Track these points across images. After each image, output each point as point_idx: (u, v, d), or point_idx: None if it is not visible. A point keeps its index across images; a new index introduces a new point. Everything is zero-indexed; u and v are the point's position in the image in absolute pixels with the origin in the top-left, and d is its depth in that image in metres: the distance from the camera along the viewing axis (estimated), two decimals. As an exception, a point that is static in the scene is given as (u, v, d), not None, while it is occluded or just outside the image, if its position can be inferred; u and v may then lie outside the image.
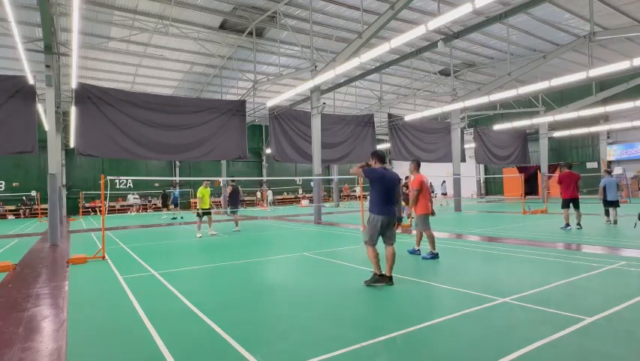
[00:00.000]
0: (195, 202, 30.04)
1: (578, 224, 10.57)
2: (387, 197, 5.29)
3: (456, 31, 15.49)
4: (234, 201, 13.65)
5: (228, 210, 13.55)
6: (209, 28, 16.18)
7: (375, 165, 5.46)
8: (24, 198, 25.36)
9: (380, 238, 5.42)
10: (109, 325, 4.12)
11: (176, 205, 21.59)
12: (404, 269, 6.44)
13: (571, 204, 10.75)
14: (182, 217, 20.35)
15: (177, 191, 21.87)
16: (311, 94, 16.09)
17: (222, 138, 15.74)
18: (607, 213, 11.69)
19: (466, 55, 20.61)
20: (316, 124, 15.94)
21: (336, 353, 3.15)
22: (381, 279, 5.32)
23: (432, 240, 7.27)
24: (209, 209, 12.14)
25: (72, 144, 17.77)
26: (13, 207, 25.15)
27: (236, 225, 13.21)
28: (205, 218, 12.19)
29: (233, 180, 14.97)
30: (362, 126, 20.59)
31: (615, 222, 11.21)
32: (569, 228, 10.61)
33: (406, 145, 21.66)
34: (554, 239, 9.04)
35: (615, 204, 11.30)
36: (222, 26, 16.29)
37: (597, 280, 5.34)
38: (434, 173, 33.11)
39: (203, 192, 11.97)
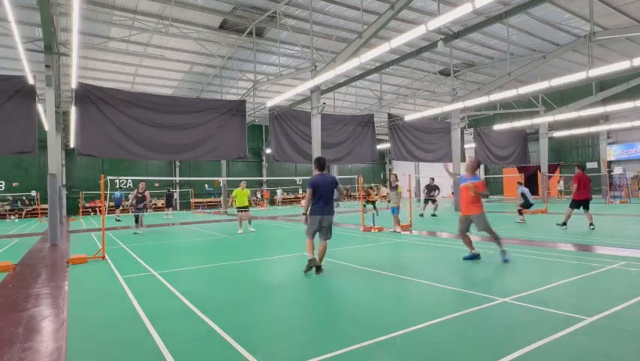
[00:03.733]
0: (195, 202, 30.45)
1: (591, 224, 10.44)
2: (322, 200, 6.21)
3: (456, 31, 15.50)
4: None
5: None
6: (209, 28, 16.18)
7: (314, 172, 6.43)
8: (24, 197, 25.37)
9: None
10: (109, 325, 4.12)
11: (118, 207, 21.01)
12: (404, 269, 6.44)
13: (581, 206, 10.57)
14: (119, 220, 19.93)
15: (119, 193, 21.55)
16: (311, 94, 16.09)
17: (222, 138, 15.74)
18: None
19: (466, 55, 20.61)
20: (316, 124, 15.94)
21: (336, 353, 3.15)
22: (311, 262, 6.15)
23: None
24: (246, 206, 12.99)
25: (72, 144, 17.76)
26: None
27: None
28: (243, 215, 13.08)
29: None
30: (362, 126, 20.58)
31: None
32: (565, 227, 10.54)
33: (406, 145, 21.66)
34: (554, 239, 9.04)
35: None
36: (222, 26, 16.29)
37: (597, 280, 5.33)
38: (435, 173, 33.18)
39: (237, 192, 13.02)
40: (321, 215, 6.20)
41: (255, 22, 15.55)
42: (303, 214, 6.38)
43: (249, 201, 13.25)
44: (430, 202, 16.93)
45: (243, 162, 32.56)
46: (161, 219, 20.42)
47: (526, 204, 12.71)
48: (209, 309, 4.44)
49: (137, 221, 13.46)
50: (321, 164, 6.46)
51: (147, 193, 13.90)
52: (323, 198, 6.22)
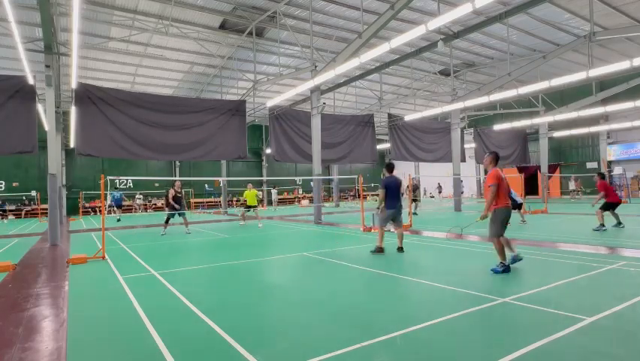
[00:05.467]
0: (195, 202, 30.46)
1: (620, 223, 10.53)
2: (393, 197, 7.71)
3: (456, 31, 15.49)
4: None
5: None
6: (209, 28, 16.18)
7: (385, 174, 7.96)
8: (24, 197, 25.36)
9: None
10: (109, 325, 4.13)
11: (119, 207, 20.78)
12: (404, 269, 6.44)
13: (610, 208, 10.55)
14: (118, 220, 19.95)
15: (119, 193, 21.36)
16: (311, 94, 16.09)
17: (222, 138, 15.76)
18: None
19: (466, 55, 20.60)
20: (316, 124, 15.94)
21: (336, 353, 3.15)
22: (381, 250, 7.65)
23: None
24: (254, 205, 15.48)
25: (72, 144, 17.75)
26: (12, 207, 25.16)
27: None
28: (251, 212, 15.71)
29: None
30: (362, 126, 20.58)
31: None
32: (604, 228, 10.12)
33: (406, 145, 21.66)
34: (554, 239, 9.05)
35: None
36: (222, 26, 16.28)
37: (597, 280, 5.34)
38: (435, 173, 33.22)
39: (247, 192, 15.47)
40: (394, 208, 7.71)
41: (255, 22, 15.55)
42: (377, 208, 8.09)
43: (255, 201, 15.54)
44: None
45: (243, 162, 32.54)
46: (160, 219, 20.39)
47: (515, 205, 12.69)
48: (209, 309, 4.45)
49: (167, 222, 12.78)
50: (390, 168, 7.92)
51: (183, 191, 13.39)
52: (393, 196, 7.68)
